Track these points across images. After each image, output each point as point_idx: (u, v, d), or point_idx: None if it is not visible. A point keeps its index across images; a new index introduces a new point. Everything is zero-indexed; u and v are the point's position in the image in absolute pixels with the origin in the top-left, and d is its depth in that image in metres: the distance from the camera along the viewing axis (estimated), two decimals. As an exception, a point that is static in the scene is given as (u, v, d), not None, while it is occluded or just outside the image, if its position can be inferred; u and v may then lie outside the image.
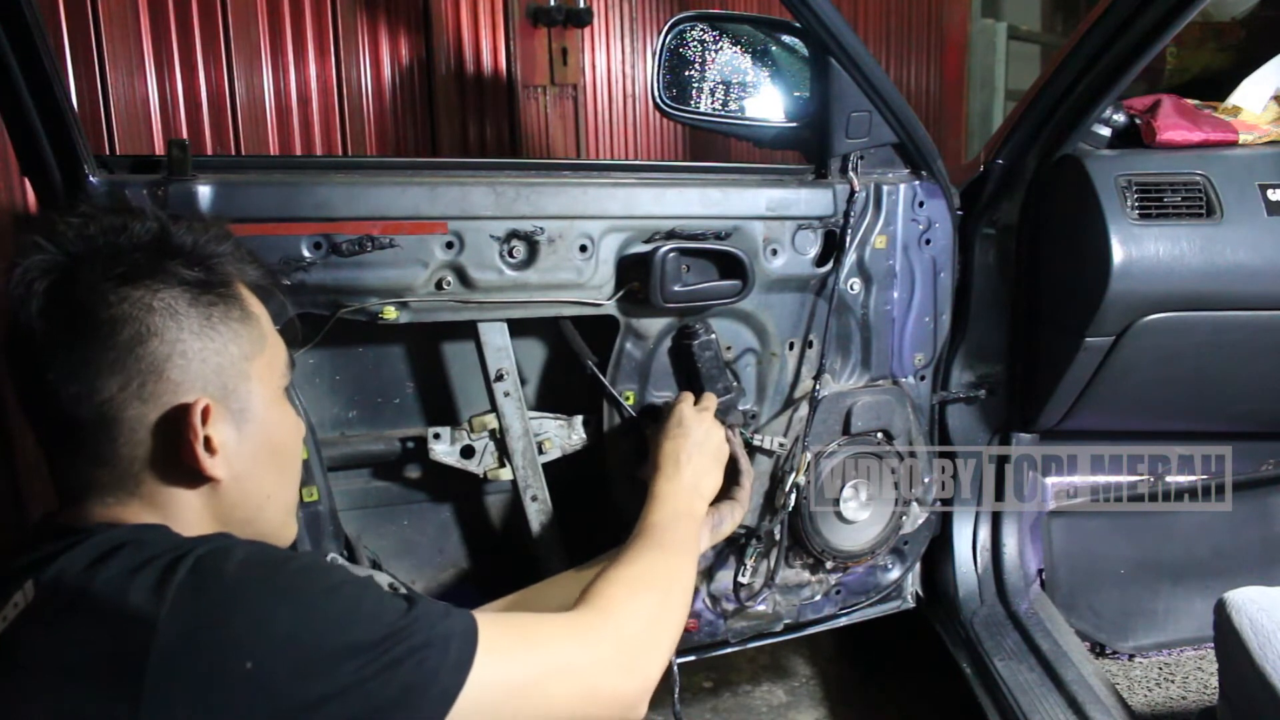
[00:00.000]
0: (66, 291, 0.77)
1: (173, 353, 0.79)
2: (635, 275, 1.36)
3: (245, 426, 0.84)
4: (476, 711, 0.77)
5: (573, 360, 1.41)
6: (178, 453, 0.79)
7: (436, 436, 1.38)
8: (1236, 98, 1.74)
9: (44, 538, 0.77)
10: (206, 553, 0.73)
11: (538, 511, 1.42)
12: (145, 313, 0.78)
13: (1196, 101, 1.76)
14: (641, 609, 0.97)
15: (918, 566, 1.80)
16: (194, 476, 0.81)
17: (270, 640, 0.69)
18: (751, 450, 1.50)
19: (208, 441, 0.80)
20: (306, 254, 1.21)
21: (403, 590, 0.95)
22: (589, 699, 0.86)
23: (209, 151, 2.30)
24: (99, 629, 0.68)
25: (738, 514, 1.37)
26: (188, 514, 0.81)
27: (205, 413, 0.79)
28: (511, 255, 1.31)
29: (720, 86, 1.49)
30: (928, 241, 1.57)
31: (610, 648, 0.90)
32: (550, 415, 1.44)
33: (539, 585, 1.29)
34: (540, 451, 1.42)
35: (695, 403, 1.38)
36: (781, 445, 1.53)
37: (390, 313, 1.26)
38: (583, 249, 1.34)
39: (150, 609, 0.67)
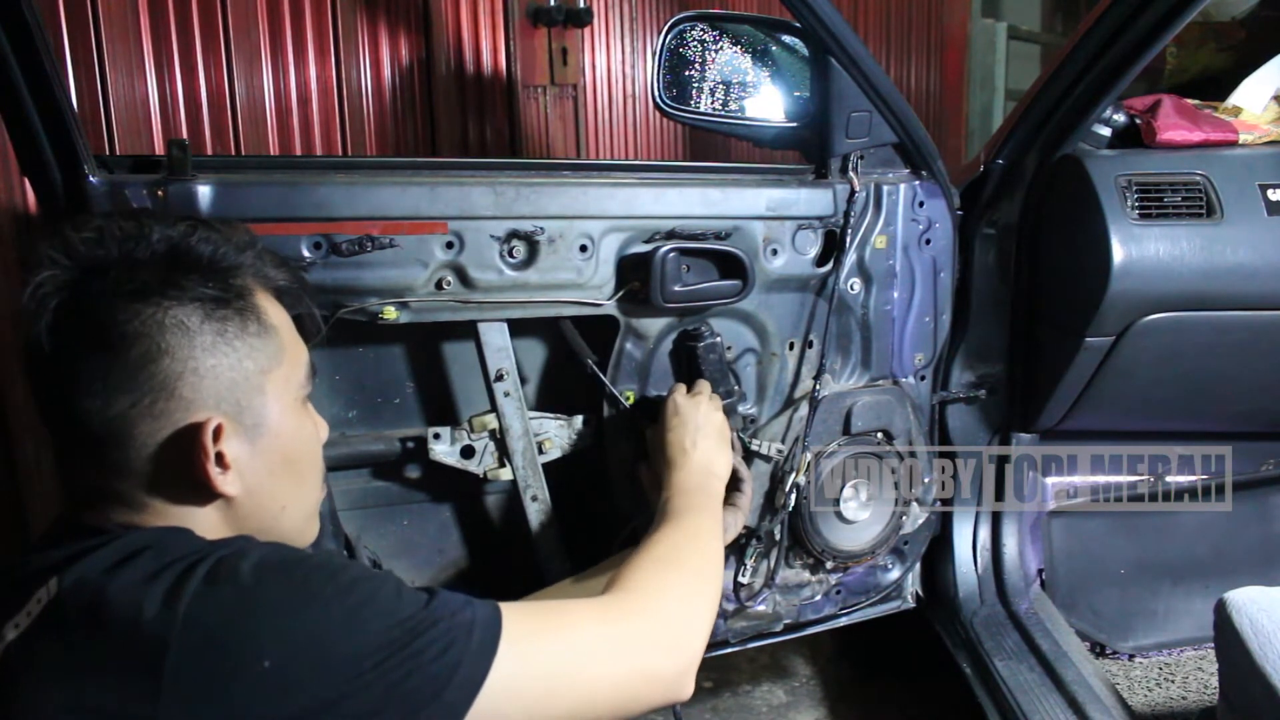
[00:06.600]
0: (78, 308, 0.77)
1: (184, 370, 0.78)
2: (635, 275, 1.36)
3: (259, 441, 0.83)
4: (508, 699, 0.76)
5: (573, 360, 1.41)
6: (189, 469, 0.79)
7: (436, 436, 1.38)
8: (1236, 98, 1.74)
9: (68, 536, 0.78)
10: (223, 556, 0.73)
11: (538, 511, 1.42)
12: (156, 330, 0.77)
13: (1196, 101, 1.76)
14: (673, 587, 0.96)
15: (918, 566, 1.80)
16: (206, 492, 0.80)
17: (287, 639, 0.69)
18: (750, 455, 1.50)
19: (220, 458, 0.79)
20: (306, 254, 1.21)
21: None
22: (629, 680, 0.86)
23: (209, 151, 2.30)
24: (117, 631, 0.68)
25: (739, 520, 1.37)
26: (203, 524, 0.81)
27: (217, 431, 0.79)
28: (511, 255, 1.31)
29: (720, 86, 1.49)
30: (928, 241, 1.57)
31: (645, 626, 0.89)
32: (550, 415, 1.44)
33: (542, 593, 1.28)
34: (540, 451, 1.42)
35: (687, 391, 1.38)
36: (779, 451, 1.53)
37: (390, 313, 1.26)
38: (583, 249, 1.34)
39: (166, 613, 0.68)
